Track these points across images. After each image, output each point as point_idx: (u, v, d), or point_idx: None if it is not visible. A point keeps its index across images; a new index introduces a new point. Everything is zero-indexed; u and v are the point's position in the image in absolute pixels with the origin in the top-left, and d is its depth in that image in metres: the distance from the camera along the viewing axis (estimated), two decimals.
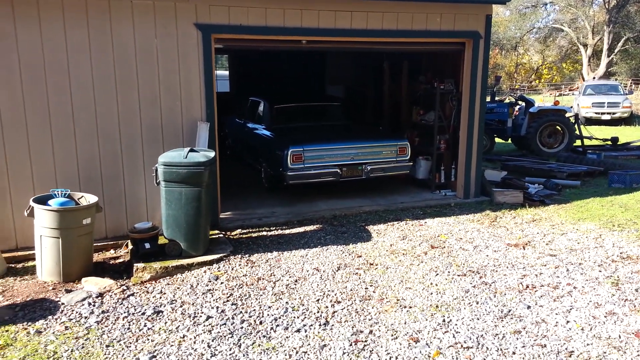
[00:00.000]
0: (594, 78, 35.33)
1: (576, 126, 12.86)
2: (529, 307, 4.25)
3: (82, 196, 5.37)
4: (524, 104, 13.24)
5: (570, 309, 4.18)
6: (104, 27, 5.54)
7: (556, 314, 4.12)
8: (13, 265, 5.45)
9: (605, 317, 4.04)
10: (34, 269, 5.32)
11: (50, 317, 4.32)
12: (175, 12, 5.77)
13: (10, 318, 4.32)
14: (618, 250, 5.54)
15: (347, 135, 7.82)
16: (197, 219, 5.33)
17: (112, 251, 5.89)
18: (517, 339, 3.73)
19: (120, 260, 5.68)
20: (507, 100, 14.18)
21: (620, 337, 3.73)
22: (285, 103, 8.72)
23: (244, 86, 12.11)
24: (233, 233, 6.31)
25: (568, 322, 3.97)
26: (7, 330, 4.09)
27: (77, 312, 4.38)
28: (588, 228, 6.38)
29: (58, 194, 5.14)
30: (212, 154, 5.45)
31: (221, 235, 6.13)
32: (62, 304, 4.56)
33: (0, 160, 5.42)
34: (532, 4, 38.85)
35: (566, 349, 3.58)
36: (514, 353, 3.54)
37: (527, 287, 4.66)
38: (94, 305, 4.50)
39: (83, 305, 4.52)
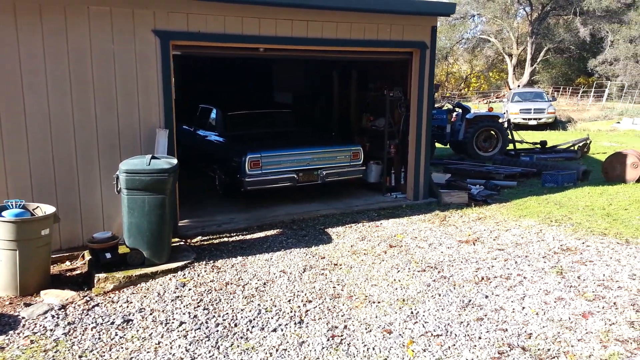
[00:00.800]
0: (518, 86, 37.54)
1: (508, 131, 13.69)
2: (486, 296, 4.57)
3: (38, 206, 5.21)
4: (461, 110, 13.93)
5: (524, 297, 4.54)
6: (59, 31, 5.41)
7: (512, 301, 4.46)
8: None
9: (555, 302, 4.42)
10: None
11: (11, 332, 4.17)
12: (133, 18, 5.72)
13: None
14: (558, 243, 6.02)
15: (303, 141, 7.98)
16: (161, 227, 5.30)
17: (67, 263, 5.72)
18: (481, 325, 4.02)
19: (78, 271, 5.53)
20: (445, 107, 14.85)
21: (570, 318, 4.10)
22: (237, 110, 8.77)
23: (190, 93, 11.99)
24: (193, 240, 6.29)
25: (523, 308, 4.31)
26: None
27: (40, 325, 4.26)
28: (529, 224, 6.87)
29: (12, 204, 4.97)
30: (174, 160, 5.45)
31: (182, 242, 6.11)
32: (23, 317, 4.41)
33: None
34: (460, 15, 40.73)
35: (525, 331, 3.90)
36: (479, 338, 3.82)
37: (482, 279, 5.00)
38: (58, 318, 4.38)
39: (46, 318, 4.40)
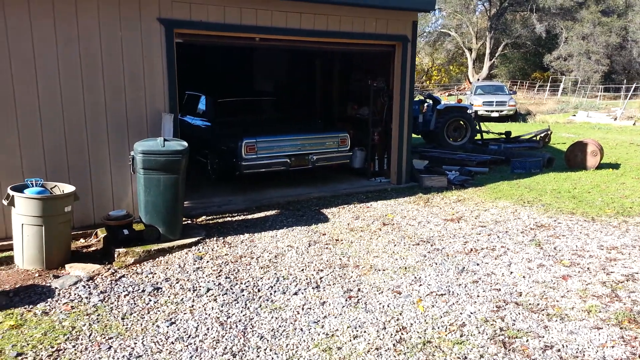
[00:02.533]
0: (478, 80, 38.87)
1: (476, 122, 14.48)
2: (477, 264, 5.16)
3: (55, 185, 5.46)
4: (431, 101, 14.61)
5: (510, 264, 5.15)
6: (70, 17, 5.63)
7: (500, 268, 5.06)
8: None
9: (537, 268, 5.05)
10: (8, 260, 5.33)
11: (49, 299, 4.47)
12: (140, 6, 5.99)
13: (7, 303, 4.41)
14: (533, 221, 6.69)
15: (295, 128, 8.40)
16: (175, 204, 5.65)
17: (82, 240, 5.99)
18: (477, 286, 4.60)
19: (93, 248, 5.82)
20: (417, 98, 15.50)
21: (552, 280, 4.73)
22: (224, 97, 9.09)
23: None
24: (199, 220, 6.65)
25: (511, 272, 4.92)
26: (11, 313, 4.20)
27: (75, 294, 4.57)
28: (504, 205, 7.54)
29: (33, 183, 5.22)
30: (185, 143, 5.78)
31: (189, 221, 6.45)
32: (56, 288, 4.70)
33: None
34: None
35: (516, 291, 4.50)
36: (478, 296, 4.39)
37: (471, 250, 5.59)
38: (90, 287, 4.70)
39: (77, 287, 4.71)
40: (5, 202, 5.02)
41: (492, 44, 40.96)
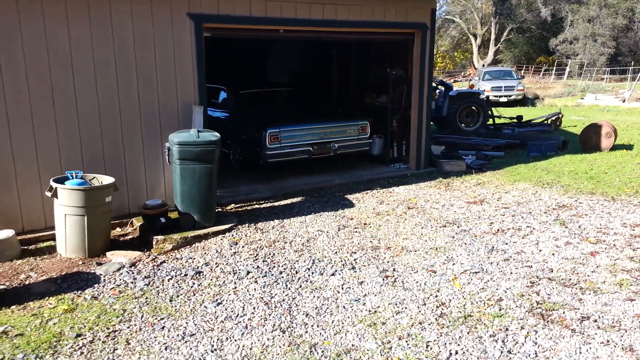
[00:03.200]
0: (483, 65, 38.80)
1: (488, 107, 14.56)
2: (506, 243, 5.32)
3: (94, 177, 5.65)
4: (443, 88, 14.69)
5: (538, 243, 5.31)
6: (104, 15, 5.78)
7: (529, 246, 5.22)
8: (25, 247, 5.59)
9: (565, 245, 5.20)
10: (49, 249, 5.53)
11: (96, 285, 4.67)
12: (170, 2, 6.13)
13: (57, 289, 4.61)
14: (554, 201, 6.84)
15: (316, 117, 8.54)
16: (209, 193, 5.83)
17: (118, 229, 6.18)
18: (509, 264, 4.76)
19: (129, 236, 6.01)
20: None
21: (581, 257, 4.89)
22: (244, 89, 9.24)
23: None
24: (228, 207, 6.83)
25: (540, 250, 5.08)
26: (62, 299, 4.40)
27: (120, 279, 4.76)
28: (524, 187, 7.68)
29: (73, 175, 5.40)
30: (217, 134, 5.94)
31: (219, 209, 6.63)
32: (100, 274, 4.90)
33: (6, 146, 5.52)
34: None
35: (547, 267, 4.66)
36: (511, 273, 4.56)
37: (498, 230, 5.75)
38: (133, 273, 4.89)
39: (121, 273, 4.90)
40: (48, 194, 5.21)
41: (497, 29, 40.82)
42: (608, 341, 3.42)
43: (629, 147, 10.69)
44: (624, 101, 21.92)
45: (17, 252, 5.39)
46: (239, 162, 8.63)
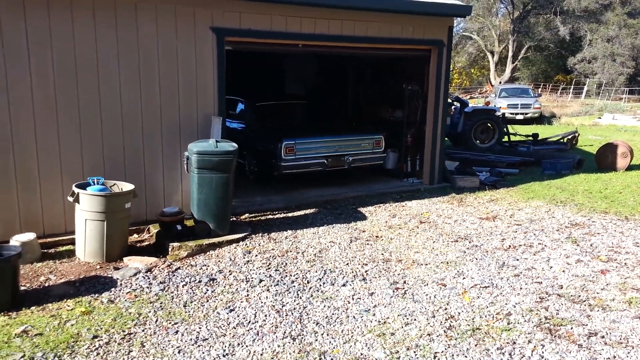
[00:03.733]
0: (500, 82, 38.76)
1: (503, 124, 14.58)
2: (517, 259, 5.35)
3: (115, 184, 5.81)
4: (459, 104, 14.76)
5: (549, 259, 5.33)
6: (131, 27, 5.99)
7: (539, 263, 5.25)
8: (45, 251, 5.75)
9: (576, 263, 5.22)
10: (69, 253, 5.69)
11: (112, 289, 4.80)
12: (194, 16, 6.33)
13: (75, 292, 4.75)
14: (567, 220, 6.85)
15: (331, 130, 8.67)
16: (225, 202, 5.96)
17: (135, 235, 6.33)
18: (519, 280, 4.80)
19: (146, 243, 6.15)
20: None
21: (591, 274, 4.91)
22: (261, 101, 9.41)
23: None
24: (242, 217, 6.95)
25: (551, 267, 5.11)
26: (80, 301, 4.53)
27: (136, 284, 4.89)
28: (538, 204, 7.69)
29: (94, 182, 5.57)
30: (235, 144, 6.08)
31: (234, 219, 6.75)
32: (117, 278, 5.03)
33: (32, 150, 5.72)
34: None
35: (557, 284, 4.69)
36: (520, 288, 4.59)
37: (510, 247, 5.78)
38: (149, 278, 5.02)
39: (137, 278, 5.03)
40: (70, 199, 5.38)
41: (514, 46, 40.82)
42: (614, 357, 3.44)
43: None
44: None
45: (38, 255, 5.56)
46: (254, 172, 8.77)
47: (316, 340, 3.79)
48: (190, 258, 5.57)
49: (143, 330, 3.99)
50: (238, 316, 4.21)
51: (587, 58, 36.18)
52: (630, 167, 10.23)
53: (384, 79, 9.86)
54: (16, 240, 5.33)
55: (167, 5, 6.13)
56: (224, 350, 3.66)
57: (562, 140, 14.55)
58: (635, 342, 3.63)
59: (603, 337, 3.72)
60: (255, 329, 3.99)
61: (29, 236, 5.49)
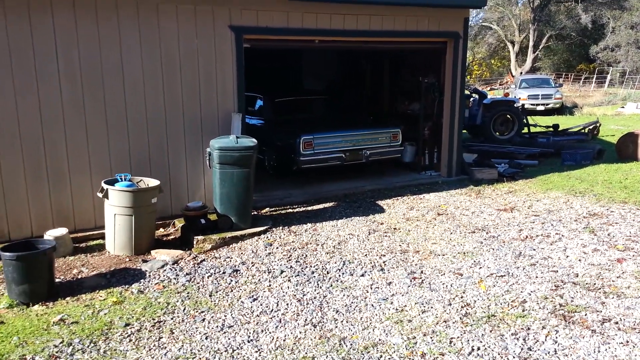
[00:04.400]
0: (521, 73, 38.29)
1: (523, 115, 14.51)
2: (534, 249, 5.43)
3: (141, 179, 6.04)
4: (477, 96, 14.71)
5: (565, 249, 5.40)
6: (153, 27, 6.20)
7: (556, 252, 5.32)
8: (76, 245, 6.01)
9: (592, 252, 5.28)
10: (99, 247, 5.95)
11: (142, 280, 5.02)
12: (213, 15, 6.51)
13: (106, 283, 4.99)
14: (586, 210, 6.88)
15: (349, 124, 8.79)
16: (247, 196, 6.15)
17: (161, 229, 6.56)
18: (535, 269, 4.89)
19: (172, 236, 6.38)
20: None
21: (607, 263, 4.97)
22: (279, 97, 9.57)
23: None
24: (263, 211, 7.13)
25: (567, 256, 5.18)
26: (111, 292, 4.77)
27: (164, 276, 5.11)
28: (556, 195, 7.72)
29: (122, 178, 5.80)
30: (255, 140, 6.26)
31: (255, 212, 6.94)
32: (146, 270, 5.26)
33: (62, 149, 5.97)
34: None
35: (572, 272, 4.77)
36: (536, 277, 4.68)
37: (527, 237, 5.86)
38: (176, 270, 5.23)
39: (165, 270, 5.24)
40: (100, 195, 5.63)
41: (535, 36, 40.25)
42: (627, 342, 3.53)
43: None
44: None
45: (70, 249, 5.82)
46: (273, 167, 8.95)
47: (336, 327, 3.95)
48: (214, 250, 5.77)
49: (172, 319, 4.20)
50: (261, 305, 4.39)
51: (610, 46, 35.53)
52: None
53: (400, 72, 9.93)
54: (49, 235, 5.60)
55: (187, 5, 6.32)
56: (249, 337, 3.84)
57: (582, 131, 14.41)
58: None
59: (617, 322, 3.80)
60: (278, 316, 4.17)
61: (62, 231, 5.76)
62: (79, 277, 5.14)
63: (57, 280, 4.95)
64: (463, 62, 8.65)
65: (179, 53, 6.40)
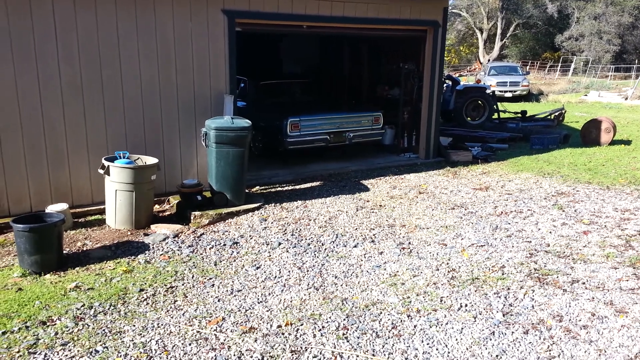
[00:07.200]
0: (488, 60, 39.24)
1: (493, 101, 15.13)
2: (509, 223, 5.94)
3: (139, 157, 6.27)
4: (451, 82, 15.25)
5: (537, 223, 5.93)
6: (149, 9, 6.38)
7: (529, 226, 5.84)
8: (75, 220, 6.22)
9: (561, 226, 5.82)
10: (98, 222, 6.17)
11: (146, 252, 5.30)
12: None
13: (112, 255, 5.25)
14: (554, 189, 7.45)
15: (333, 107, 9.14)
16: (241, 174, 6.46)
17: (156, 206, 6.81)
18: (511, 239, 5.39)
19: (167, 213, 6.64)
20: None
21: (574, 235, 5.51)
22: (265, 80, 9.83)
23: None
24: (254, 189, 7.45)
25: (539, 229, 5.70)
26: (119, 262, 5.04)
27: (167, 247, 5.40)
28: (526, 176, 8.29)
29: (121, 155, 6.03)
30: (249, 121, 6.55)
31: (246, 190, 7.25)
32: (149, 243, 5.53)
33: (61, 127, 6.14)
34: None
35: (544, 242, 5.29)
36: (512, 246, 5.18)
37: (502, 213, 6.37)
38: (178, 242, 5.53)
39: (167, 242, 5.54)
40: (101, 172, 5.85)
41: (503, 24, 41.24)
42: (593, 298, 4.05)
43: (627, 142, 11.27)
44: (626, 99, 22.43)
45: (70, 223, 6.03)
46: (258, 148, 9.24)
47: (337, 289, 4.35)
48: (212, 225, 6.08)
49: (183, 285, 4.52)
50: (264, 272, 4.75)
51: (575, 36, 36.76)
52: (613, 142, 10.85)
53: (381, 58, 10.31)
54: (51, 209, 5.79)
55: None
56: (258, 299, 4.20)
57: (549, 117, 15.14)
58: (611, 287, 4.24)
59: (584, 283, 4.32)
60: (282, 282, 4.54)
61: (62, 206, 5.96)
62: (84, 249, 5.38)
63: (63, 251, 5.18)
64: (442, 50, 9.08)
65: (173, 36, 6.61)
